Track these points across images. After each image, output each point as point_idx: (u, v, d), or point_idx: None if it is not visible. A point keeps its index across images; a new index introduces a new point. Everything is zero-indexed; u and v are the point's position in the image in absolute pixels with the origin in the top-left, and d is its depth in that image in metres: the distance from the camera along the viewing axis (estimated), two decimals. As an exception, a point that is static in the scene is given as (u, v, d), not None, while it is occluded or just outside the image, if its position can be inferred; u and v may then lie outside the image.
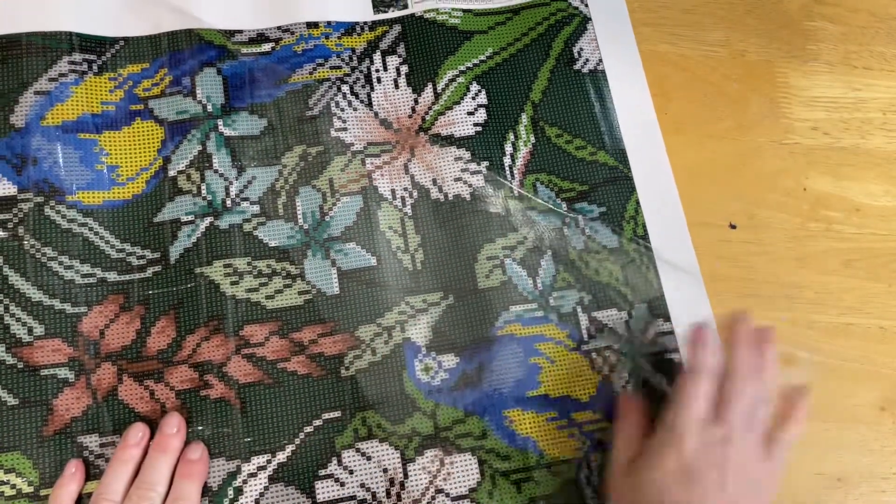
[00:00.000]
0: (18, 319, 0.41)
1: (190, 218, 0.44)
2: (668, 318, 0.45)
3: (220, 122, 0.46)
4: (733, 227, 0.48)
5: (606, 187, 0.47)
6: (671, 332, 0.44)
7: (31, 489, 0.39)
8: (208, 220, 0.44)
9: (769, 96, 0.52)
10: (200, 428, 0.40)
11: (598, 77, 0.49)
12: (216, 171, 0.45)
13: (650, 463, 0.38)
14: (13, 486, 0.39)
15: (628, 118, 0.49)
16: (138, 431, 0.40)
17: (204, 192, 0.44)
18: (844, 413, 0.46)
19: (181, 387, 0.41)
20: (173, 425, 0.40)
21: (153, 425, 0.40)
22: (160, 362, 0.41)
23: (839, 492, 0.44)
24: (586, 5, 0.51)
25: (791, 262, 0.48)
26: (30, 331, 0.41)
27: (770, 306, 0.47)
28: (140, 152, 0.45)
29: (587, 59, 0.49)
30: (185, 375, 0.41)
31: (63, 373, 0.40)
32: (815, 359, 0.46)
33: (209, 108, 0.46)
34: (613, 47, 0.50)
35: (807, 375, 0.46)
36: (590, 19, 0.50)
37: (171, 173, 0.44)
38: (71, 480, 0.39)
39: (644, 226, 0.46)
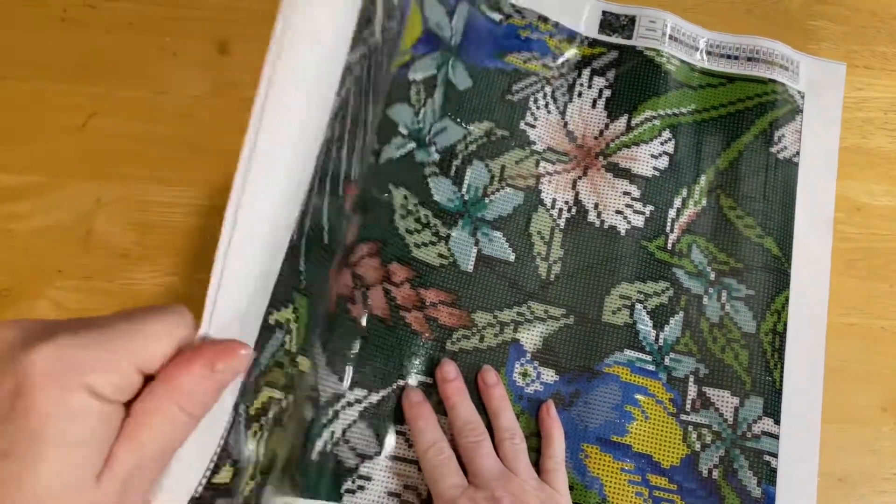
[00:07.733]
0: None
1: (404, 132, 0.44)
2: (777, 421, 0.43)
3: (451, 61, 0.46)
4: None
5: (761, 273, 0.46)
6: (776, 436, 0.43)
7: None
8: (413, 144, 0.44)
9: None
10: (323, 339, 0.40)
11: (790, 167, 0.48)
12: (434, 103, 0.45)
13: None
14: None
15: (806, 219, 0.48)
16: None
17: (420, 115, 0.44)
18: (845, 413, 0.45)
19: (338, 290, 0.40)
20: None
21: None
22: (343, 256, 0.40)
23: (840, 492, 0.44)
24: (803, 97, 0.50)
25: None
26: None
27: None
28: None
29: (785, 147, 0.49)
30: (346, 280, 0.41)
31: None
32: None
33: (452, 41, 0.47)
34: (815, 148, 0.49)
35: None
36: (801, 112, 0.50)
37: (411, 77, 0.44)
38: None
39: (785, 324, 0.45)
